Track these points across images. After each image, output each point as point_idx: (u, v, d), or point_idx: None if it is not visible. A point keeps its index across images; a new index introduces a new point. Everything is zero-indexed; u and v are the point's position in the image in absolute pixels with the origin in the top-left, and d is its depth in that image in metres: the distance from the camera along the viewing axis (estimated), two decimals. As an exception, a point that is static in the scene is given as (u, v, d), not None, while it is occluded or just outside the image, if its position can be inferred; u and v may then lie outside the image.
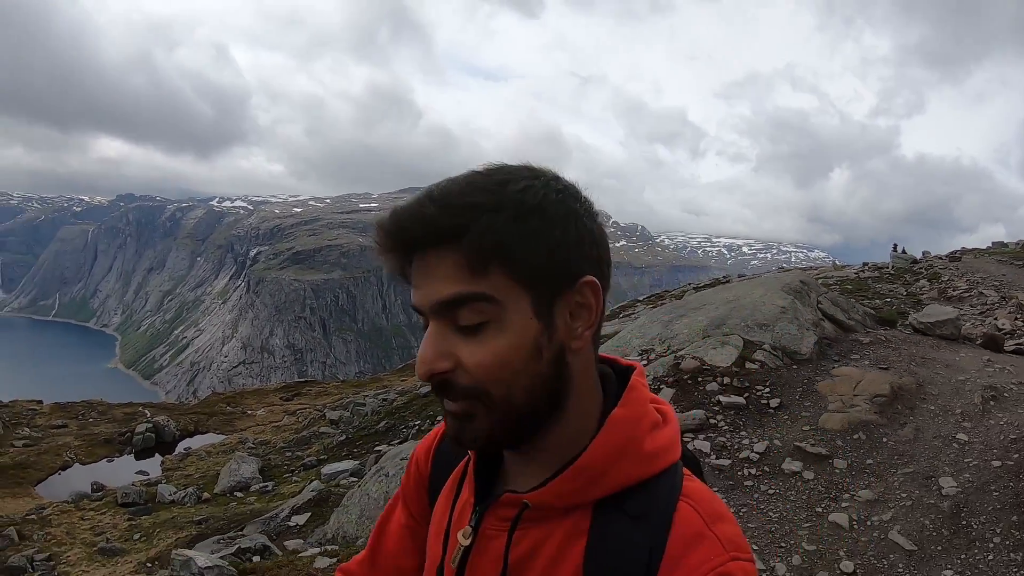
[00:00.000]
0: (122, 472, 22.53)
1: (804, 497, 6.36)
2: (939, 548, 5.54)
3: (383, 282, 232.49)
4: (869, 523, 5.99)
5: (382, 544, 1.42)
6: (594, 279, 1.06)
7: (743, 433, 7.06)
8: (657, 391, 7.39)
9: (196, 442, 26.54)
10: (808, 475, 6.58)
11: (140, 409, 36.38)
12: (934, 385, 8.07)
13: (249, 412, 33.55)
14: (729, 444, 6.93)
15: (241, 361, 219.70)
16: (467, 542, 1.18)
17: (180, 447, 25.88)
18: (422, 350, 1.05)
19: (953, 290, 19.07)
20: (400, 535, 1.39)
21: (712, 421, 7.16)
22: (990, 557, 5.33)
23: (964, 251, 30.55)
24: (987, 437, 6.98)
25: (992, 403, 7.69)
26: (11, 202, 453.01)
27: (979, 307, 17.06)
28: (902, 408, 7.49)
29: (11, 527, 15.45)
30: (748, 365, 7.81)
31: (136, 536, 15.66)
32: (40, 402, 38.29)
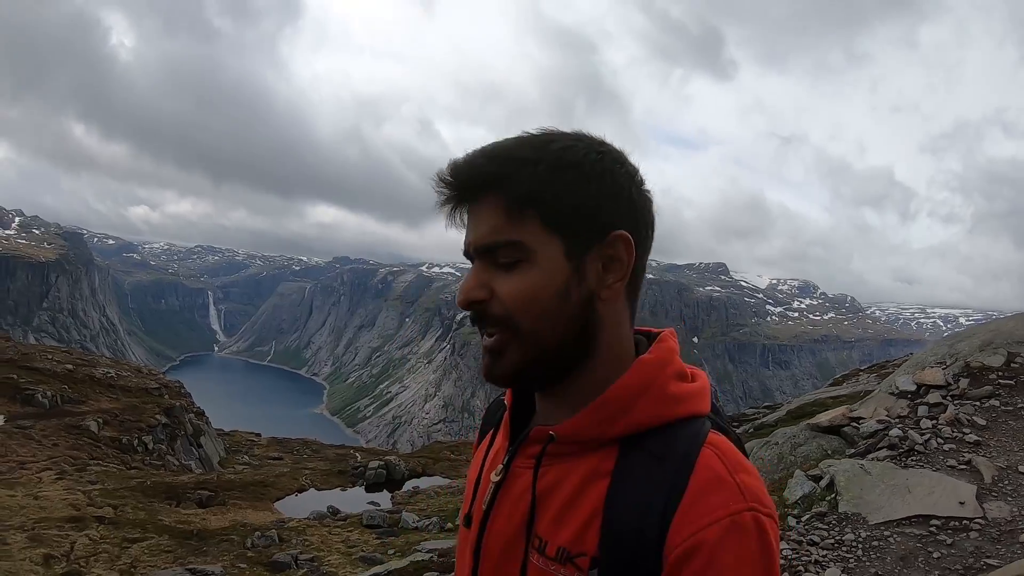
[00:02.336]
0: (354, 501, 23.82)
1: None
2: None
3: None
4: None
5: None
6: (626, 234, 1.22)
7: (1014, 398, 8.73)
8: (955, 381, 9.45)
9: (423, 482, 27.90)
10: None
11: (351, 451, 41.14)
12: None
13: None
14: (1008, 404, 8.64)
15: (441, 419, 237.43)
16: (498, 478, 1.32)
17: (408, 485, 27.32)
18: (464, 282, 1.24)
19: None
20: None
21: (992, 397, 8.80)
22: None
23: None
24: None
25: None
26: (236, 257, 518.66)
27: None
28: None
29: (273, 530, 16.51)
30: (1012, 364, 9.48)
31: (390, 551, 16.60)
32: (259, 435, 45.03)
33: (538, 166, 1.19)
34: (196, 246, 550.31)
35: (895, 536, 5.90)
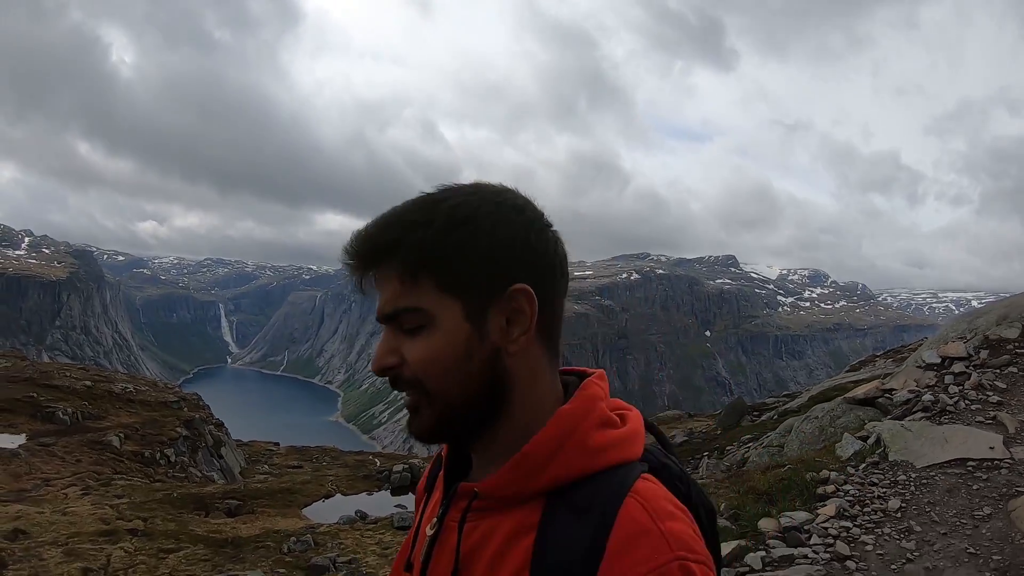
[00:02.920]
0: (381, 505, 23.92)
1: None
2: None
3: (597, 349, 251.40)
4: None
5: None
6: (526, 287, 1.20)
7: None
8: (976, 352, 10.18)
9: None
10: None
11: (370, 457, 41.22)
12: None
13: None
14: None
15: None
16: (431, 532, 1.32)
17: None
18: (376, 349, 1.27)
19: None
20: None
21: (1011, 365, 9.54)
22: None
23: None
24: None
25: None
26: (246, 269, 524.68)
27: None
28: None
29: (307, 535, 16.55)
30: None
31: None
32: (277, 444, 44.96)
33: (428, 229, 1.18)
34: (205, 259, 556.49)
35: (939, 475, 7.03)
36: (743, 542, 6.12)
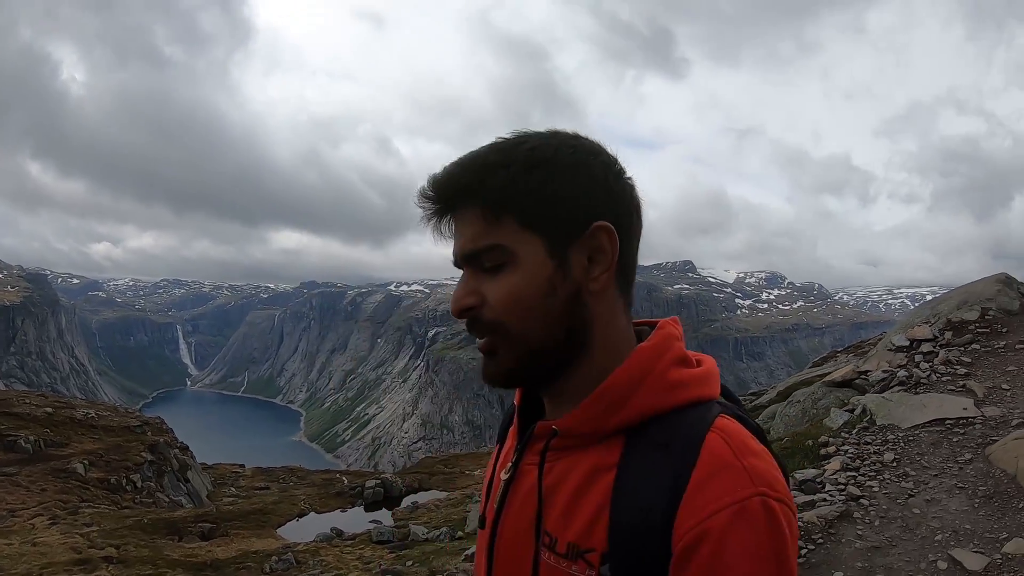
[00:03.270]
0: (356, 521, 23.81)
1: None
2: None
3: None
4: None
5: None
6: (608, 224, 1.20)
7: (991, 342, 10.88)
8: (941, 334, 11.42)
9: (421, 497, 28.01)
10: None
11: (337, 476, 41.80)
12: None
13: (467, 472, 35.96)
14: (987, 346, 10.77)
15: (421, 437, 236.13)
16: (507, 476, 1.32)
17: (406, 501, 27.49)
18: (455, 291, 1.26)
19: None
20: None
21: (973, 343, 10.90)
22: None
23: None
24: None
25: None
26: (203, 289, 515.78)
27: None
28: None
29: (288, 553, 16.39)
30: (985, 317, 11.64)
31: (409, 563, 16.29)
32: (242, 466, 44.84)
33: (510, 168, 1.19)
34: (161, 280, 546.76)
35: (923, 433, 8.14)
36: None
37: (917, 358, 11.00)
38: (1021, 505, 6.10)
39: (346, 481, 35.85)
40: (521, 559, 1.25)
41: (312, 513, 25.39)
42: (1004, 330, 11.47)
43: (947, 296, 13.92)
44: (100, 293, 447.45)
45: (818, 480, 7.45)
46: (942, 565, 5.47)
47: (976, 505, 6.33)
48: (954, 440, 7.78)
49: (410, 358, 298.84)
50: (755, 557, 1.05)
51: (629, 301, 1.28)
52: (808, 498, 6.99)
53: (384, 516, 24.42)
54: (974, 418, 8.29)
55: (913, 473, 7.15)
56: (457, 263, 1.27)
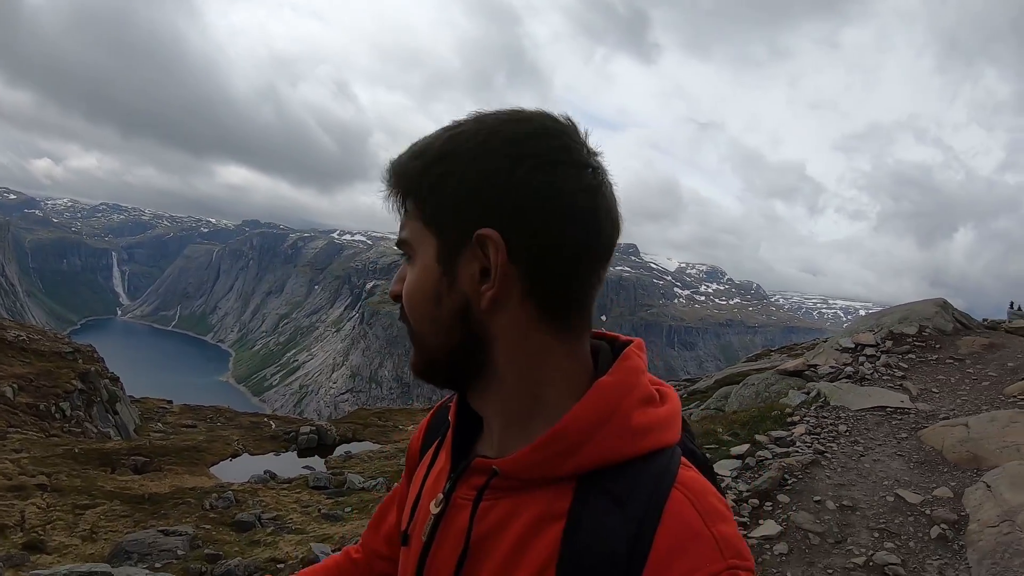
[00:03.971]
0: (288, 466, 23.57)
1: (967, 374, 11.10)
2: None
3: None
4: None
5: (388, 513, 1.51)
6: (492, 233, 1.02)
7: (925, 354, 12.41)
8: (883, 342, 12.88)
9: (354, 448, 27.78)
10: (967, 364, 11.63)
11: (265, 419, 41.20)
12: (1010, 347, 12.31)
13: (400, 428, 35.43)
14: (922, 357, 12.27)
15: (348, 389, 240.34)
16: (437, 510, 1.17)
17: (339, 450, 27.27)
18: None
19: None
20: (401, 504, 1.42)
21: (910, 353, 12.43)
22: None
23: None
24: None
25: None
26: (143, 217, 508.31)
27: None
28: (994, 353, 12.07)
29: (230, 491, 16.20)
30: (922, 333, 13.22)
31: (347, 510, 16.41)
32: (170, 402, 44.47)
33: (423, 157, 1.08)
34: (101, 204, 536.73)
35: (868, 415, 9.50)
36: (748, 446, 8.65)
37: (861, 359, 12.37)
38: (945, 469, 7.64)
39: (274, 426, 35.04)
40: None
41: (245, 455, 25.08)
42: (937, 346, 12.90)
43: (891, 310, 15.23)
44: (37, 212, 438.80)
45: (788, 439, 8.85)
46: (890, 499, 6.99)
47: (911, 467, 7.79)
48: (893, 423, 9.23)
49: (346, 308, 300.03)
50: None
51: (567, 324, 1.08)
52: (784, 450, 8.45)
53: (316, 463, 24.13)
54: (909, 409, 9.67)
55: (863, 441, 8.64)
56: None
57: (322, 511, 15.33)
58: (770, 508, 6.90)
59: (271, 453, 26.22)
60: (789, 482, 7.41)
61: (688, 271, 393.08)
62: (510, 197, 1.02)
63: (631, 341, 1.20)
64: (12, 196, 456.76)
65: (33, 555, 11.00)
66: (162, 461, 20.58)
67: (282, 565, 10.21)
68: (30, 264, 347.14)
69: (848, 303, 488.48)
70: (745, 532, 6.34)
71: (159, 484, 17.50)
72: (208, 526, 12.79)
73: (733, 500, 6.99)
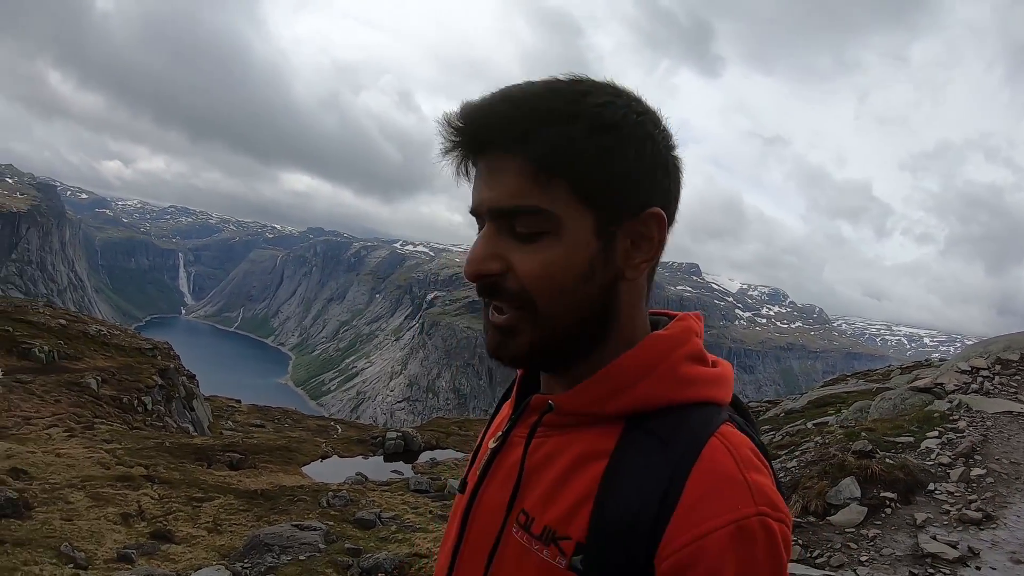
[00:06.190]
0: (377, 469, 23.77)
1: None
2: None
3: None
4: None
5: None
6: (661, 212, 1.09)
7: None
8: (993, 366, 14.19)
9: (439, 455, 28.01)
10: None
11: (331, 423, 42.05)
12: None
13: None
14: None
15: (405, 397, 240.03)
16: (495, 445, 1.24)
17: (423, 457, 27.40)
18: (473, 249, 1.10)
19: None
20: None
21: (1016, 375, 13.64)
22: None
23: None
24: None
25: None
26: (210, 221, 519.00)
27: None
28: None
29: (344, 490, 16.37)
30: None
31: None
32: (239, 401, 44.46)
33: (574, 123, 1.04)
34: (169, 206, 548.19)
35: (1001, 417, 11.05)
36: (937, 431, 10.43)
37: (979, 379, 13.70)
38: (1076, 456, 9.44)
39: (340, 430, 35.55)
40: (492, 532, 1.18)
41: (335, 456, 25.16)
42: (1037, 368, 15.04)
43: (994, 340, 16.82)
44: (107, 211, 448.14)
45: (958, 428, 10.54)
46: (1037, 459, 9.05)
47: (1048, 450, 9.65)
48: (1021, 421, 10.88)
49: (406, 318, 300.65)
50: None
51: (651, 289, 1.20)
52: (959, 435, 10.14)
53: (404, 468, 24.18)
54: (1028, 413, 11.53)
55: (1006, 430, 10.42)
56: (478, 214, 1.13)
57: (434, 512, 15.33)
58: (972, 463, 9.04)
59: (359, 456, 26.44)
60: (976, 451, 9.50)
61: (750, 292, 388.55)
62: (668, 179, 1.12)
63: (692, 312, 1.26)
64: (84, 196, 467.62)
65: (163, 545, 10.97)
66: (256, 459, 20.62)
67: (426, 560, 10.06)
68: (99, 261, 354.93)
69: (912, 330, 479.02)
70: (968, 473, 8.62)
71: (256, 481, 17.45)
72: (331, 523, 12.60)
73: (944, 462, 9.14)
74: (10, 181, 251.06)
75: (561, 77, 1.09)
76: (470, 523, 1.24)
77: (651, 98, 1.14)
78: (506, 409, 1.35)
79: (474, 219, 1.15)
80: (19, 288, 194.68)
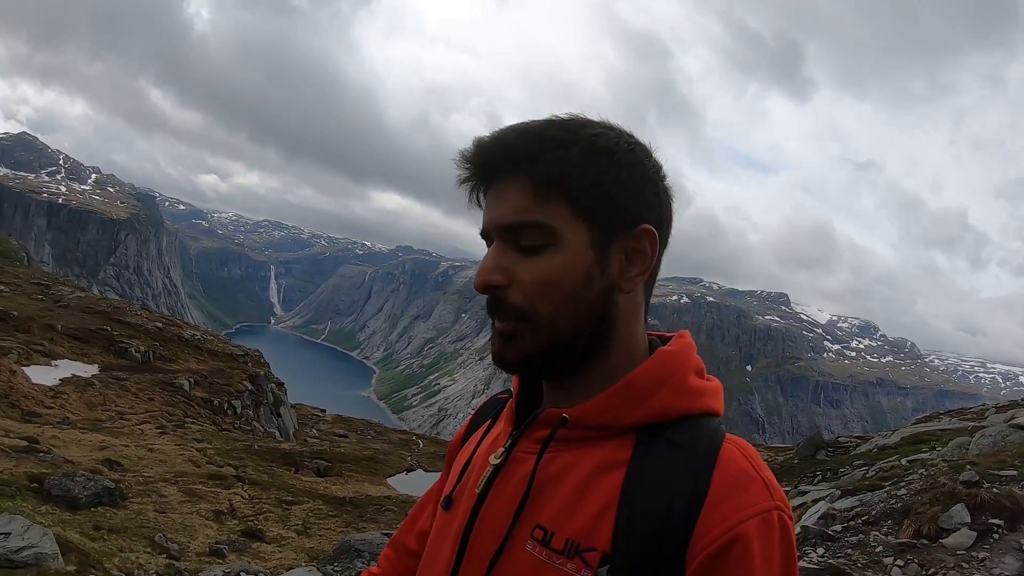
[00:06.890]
0: None
1: None
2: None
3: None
4: None
5: (423, 510, 1.58)
6: (652, 228, 1.18)
7: None
8: None
9: None
10: None
11: (413, 437, 43.11)
12: None
13: None
14: None
15: None
16: (497, 461, 1.24)
17: None
18: (483, 263, 1.19)
19: None
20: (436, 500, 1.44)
21: None
22: None
23: None
24: None
25: None
26: (302, 236, 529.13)
27: None
28: None
29: None
30: None
31: None
32: (323, 411, 45.97)
33: (571, 148, 1.15)
34: (263, 220, 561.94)
35: None
36: (1021, 477, 9.43)
37: None
38: None
39: (422, 444, 36.18)
40: (495, 547, 1.18)
41: (420, 470, 25.54)
42: None
43: None
44: (203, 222, 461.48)
45: None
46: None
47: None
48: None
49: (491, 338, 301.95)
50: (778, 568, 1.06)
51: (648, 307, 1.27)
52: None
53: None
54: None
55: None
56: (487, 234, 1.22)
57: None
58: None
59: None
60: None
61: (840, 324, 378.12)
62: (659, 198, 1.21)
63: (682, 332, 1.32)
64: (182, 207, 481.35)
65: (253, 543, 11.06)
66: (343, 467, 20.78)
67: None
68: (193, 269, 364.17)
69: (1007, 367, 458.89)
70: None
71: (342, 489, 17.60)
72: (419, 534, 12.58)
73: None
74: (112, 190, 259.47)
75: (561, 115, 1.20)
76: (473, 540, 1.23)
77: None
78: (500, 425, 1.35)
79: (484, 241, 1.24)
80: (115, 290, 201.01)
